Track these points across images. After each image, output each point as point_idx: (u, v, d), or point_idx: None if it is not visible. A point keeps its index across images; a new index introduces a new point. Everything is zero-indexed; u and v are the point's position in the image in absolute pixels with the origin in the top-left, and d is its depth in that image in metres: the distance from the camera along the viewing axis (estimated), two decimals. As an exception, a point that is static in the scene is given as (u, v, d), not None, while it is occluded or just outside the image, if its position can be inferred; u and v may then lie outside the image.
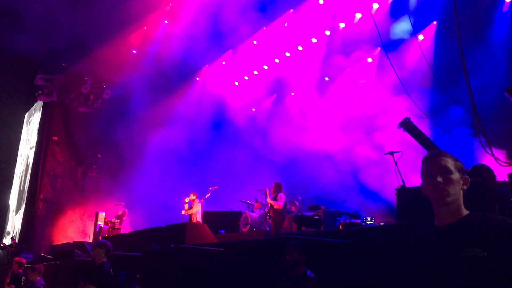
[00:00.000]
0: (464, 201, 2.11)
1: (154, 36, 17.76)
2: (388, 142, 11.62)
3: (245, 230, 12.06)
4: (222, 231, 12.24)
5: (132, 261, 8.97)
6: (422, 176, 2.17)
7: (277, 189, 10.59)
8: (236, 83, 18.28)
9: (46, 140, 19.22)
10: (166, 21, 17.51)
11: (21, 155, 21.96)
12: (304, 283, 4.69)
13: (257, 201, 12.74)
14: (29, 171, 19.77)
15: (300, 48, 15.89)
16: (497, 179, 6.86)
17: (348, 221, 10.15)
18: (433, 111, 11.69)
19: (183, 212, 12.96)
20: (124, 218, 15.72)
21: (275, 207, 10.37)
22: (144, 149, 17.42)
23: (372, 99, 13.83)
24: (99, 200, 17.53)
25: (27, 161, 20.66)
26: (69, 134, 19.56)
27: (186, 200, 12.92)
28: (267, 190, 11.28)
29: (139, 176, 16.64)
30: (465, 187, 2.12)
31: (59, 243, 16.75)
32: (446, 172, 2.09)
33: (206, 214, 13.00)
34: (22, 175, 21.17)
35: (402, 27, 13.19)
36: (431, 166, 2.12)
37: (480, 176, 6.59)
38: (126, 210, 15.90)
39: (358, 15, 14.55)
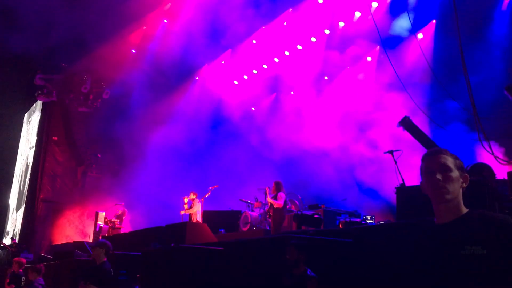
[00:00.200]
0: (464, 199, 2.10)
1: (154, 35, 17.75)
2: (388, 140, 11.62)
3: (245, 229, 12.06)
4: (222, 231, 12.23)
5: (132, 261, 8.97)
6: (421, 174, 2.17)
7: (277, 188, 10.58)
8: (236, 82, 18.27)
9: (46, 140, 19.22)
10: (165, 21, 17.50)
11: (21, 155, 21.97)
12: (304, 282, 4.69)
13: (257, 200, 12.74)
14: (29, 171, 19.77)
15: (299, 47, 15.88)
16: (496, 178, 6.87)
17: (348, 220, 10.17)
18: (432, 108, 11.71)
19: (182, 212, 12.93)
20: (124, 218, 15.73)
21: (275, 206, 10.37)
22: (144, 149, 17.42)
23: (371, 97, 13.84)
24: (99, 200, 17.53)
25: (27, 161, 20.66)
26: (69, 134, 19.55)
27: (186, 200, 12.90)
28: (267, 189, 11.27)
29: (139, 175, 16.64)
30: (464, 185, 2.12)
31: (59, 243, 16.77)
32: (446, 170, 2.08)
33: (206, 214, 12.99)
34: (22, 175, 21.18)
35: (402, 25, 13.20)
36: (431, 164, 2.12)
37: (480, 174, 6.60)
38: (125, 209, 15.90)
39: (358, 14, 14.55)
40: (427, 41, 13.35)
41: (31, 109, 21.60)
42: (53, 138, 19.28)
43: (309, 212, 10.80)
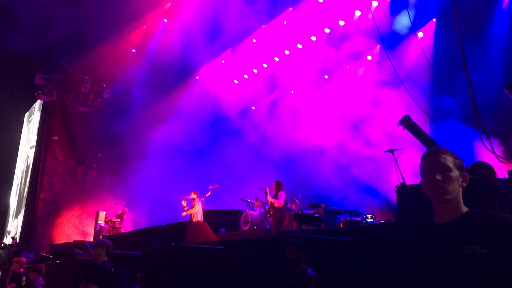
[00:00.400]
0: (464, 198, 2.10)
1: (154, 34, 17.75)
2: (389, 139, 11.62)
3: (245, 228, 12.06)
4: (223, 230, 12.24)
5: (133, 260, 8.97)
6: (421, 174, 2.17)
7: (278, 187, 10.58)
8: (236, 81, 18.27)
9: (46, 140, 19.23)
10: (165, 20, 17.49)
11: (21, 155, 21.97)
12: (304, 281, 4.69)
13: (257, 200, 12.75)
14: (30, 170, 19.78)
15: (299, 46, 15.87)
16: (496, 176, 6.86)
17: (348, 219, 10.16)
18: (431, 106, 11.71)
19: (183, 214, 12.88)
20: (124, 217, 15.74)
21: (276, 205, 10.37)
22: (144, 148, 17.43)
23: (371, 96, 13.83)
24: (99, 199, 17.55)
25: (27, 161, 20.67)
26: (69, 133, 19.56)
27: (184, 203, 12.85)
28: (267, 188, 11.28)
29: (140, 174, 16.65)
30: (464, 185, 2.11)
31: (60, 243, 16.77)
32: (445, 169, 2.08)
33: (206, 213, 12.99)
34: (22, 174, 21.18)
35: (402, 24, 13.19)
36: (430, 164, 2.12)
37: (480, 173, 6.59)
38: (126, 209, 15.92)
39: (358, 13, 14.54)
40: (427, 39, 13.34)
41: (31, 108, 21.60)
42: (53, 137, 19.29)
43: (310, 211, 10.79)
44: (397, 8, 13.50)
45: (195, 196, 12.87)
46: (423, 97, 11.91)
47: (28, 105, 21.62)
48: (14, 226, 20.31)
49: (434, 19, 13.37)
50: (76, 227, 18.41)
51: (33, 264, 9.60)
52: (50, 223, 18.27)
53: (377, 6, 13.97)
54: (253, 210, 12.60)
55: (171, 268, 8.12)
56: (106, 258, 6.10)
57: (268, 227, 11.56)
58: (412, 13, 12.34)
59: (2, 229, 20.88)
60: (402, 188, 7.12)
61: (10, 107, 20.52)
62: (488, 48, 11.59)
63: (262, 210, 12.23)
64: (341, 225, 9.85)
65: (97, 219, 15.79)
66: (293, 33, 15.62)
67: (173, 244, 9.06)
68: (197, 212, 12.70)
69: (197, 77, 19.09)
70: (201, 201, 12.93)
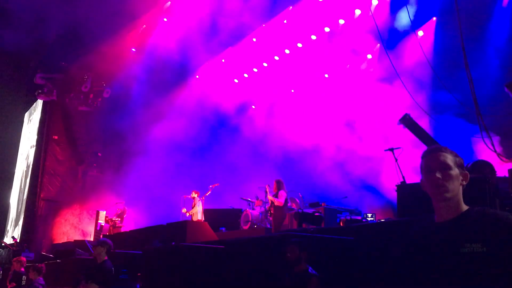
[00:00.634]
0: (465, 196, 2.09)
1: (153, 34, 17.73)
2: (389, 137, 11.62)
3: (246, 227, 12.07)
4: (223, 229, 12.26)
5: (133, 259, 8.98)
6: (421, 172, 2.17)
7: (278, 186, 10.58)
8: (236, 80, 18.27)
9: (46, 139, 19.23)
10: (165, 19, 17.47)
11: (21, 154, 21.98)
12: (305, 280, 4.69)
13: (257, 199, 12.75)
14: (30, 170, 19.79)
15: (299, 45, 15.86)
16: (497, 175, 6.86)
17: (348, 218, 10.17)
18: (431, 105, 11.72)
19: (187, 214, 12.86)
20: (124, 216, 15.75)
21: (276, 204, 10.37)
22: (145, 147, 17.43)
23: (372, 95, 13.83)
24: (99, 199, 17.57)
25: (28, 160, 20.67)
26: (69, 133, 19.56)
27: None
28: (266, 187, 11.28)
29: (140, 173, 16.66)
30: (464, 183, 2.11)
31: (60, 242, 16.79)
32: (445, 168, 2.07)
33: (207, 212, 13.00)
34: (22, 174, 21.19)
35: (402, 22, 13.18)
36: (430, 162, 2.11)
37: (480, 171, 6.59)
38: (126, 208, 15.93)
39: (358, 12, 14.52)
40: (427, 38, 13.34)
41: (31, 108, 21.60)
42: (53, 137, 19.29)
43: (310, 210, 10.80)
44: (397, 7, 13.49)
45: (195, 195, 12.88)
46: (423, 95, 11.91)
47: (28, 105, 21.63)
48: (14, 222, 20.33)
49: (434, 18, 13.36)
50: (76, 227, 18.42)
51: (33, 264, 9.60)
52: (50, 223, 18.28)
53: (377, 5, 13.97)
54: (253, 209, 12.60)
55: (171, 267, 8.12)
56: (106, 258, 6.11)
57: (268, 226, 11.56)
58: (412, 11, 12.33)
59: (2, 228, 20.88)
60: (402, 187, 7.12)
61: (10, 106, 20.54)
62: (489, 47, 11.58)
63: (263, 209, 12.24)
64: (341, 224, 9.86)
65: (97, 219, 15.80)
66: (293, 32, 15.60)
67: (173, 243, 9.07)
68: (198, 212, 12.71)
69: (197, 76, 19.08)
70: (202, 200, 12.94)
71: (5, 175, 21.27)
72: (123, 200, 16.34)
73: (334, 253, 5.61)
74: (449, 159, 2.10)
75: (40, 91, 18.61)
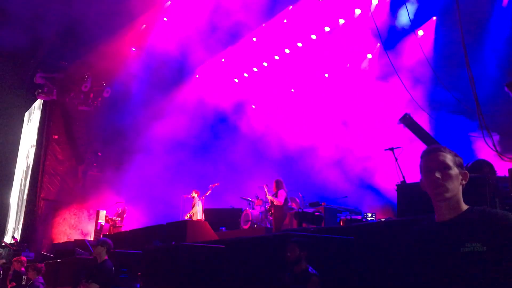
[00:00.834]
0: (465, 196, 2.09)
1: (153, 33, 17.72)
2: (390, 137, 11.63)
3: (246, 227, 12.08)
4: (223, 228, 12.27)
5: (133, 259, 8.98)
6: (421, 172, 2.16)
7: (278, 186, 10.59)
8: (236, 80, 18.26)
9: (46, 139, 19.21)
10: (165, 19, 17.46)
11: (21, 154, 21.97)
12: (305, 280, 4.69)
13: (257, 198, 12.76)
14: (30, 170, 19.78)
15: (299, 44, 15.86)
16: (497, 174, 6.86)
17: (349, 217, 10.18)
18: (431, 104, 11.72)
19: (187, 216, 12.86)
20: (124, 216, 15.76)
21: (276, 203, 10.38)
22: (145, 147, 17.44)
23: (372, 94, 13.83)
24: (100, 198, 17.57)
25: (28, 160, 20.67)
26: (69, 132, 19.55)
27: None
28: (265, 186, 11.28)
29: (140, 173, 16.67)
30: (464, 182, 2.11)
31: (60, 242, 16.79)
32: (445, 167, 2.07)
33: (207, 212, 13.02)
34: (22, 174, 21.19)
35: (402, 21, 13.18)
36: (430, 162, 2.11)
37: (480, 171, 6.60)
38: (126, 207, 15.93)
39: (358, 11, 14.52)
40: (427, 38, 13.34)
41: (31, 107, 21.59)
42: (53, 136, 19.27)
43: (310, 210, 10.81)
44: (398, 6, 13.48)
45: (195, 195, 12.89)
46: (422, 94, 11.92)
47: (28, 104, 21.61)
48: (14, 221, 20.33)
49: (434, 17, 13.36)
50: (76, 226, 18.42)
51: (33, 264, 9.60)
52: (50, 222, 18.28)
53: (377, 4, 13.96)
54: (253, 208, 12.61)
55: (171, 266, 8.12)
56: (106, 257, 6.11)
57: (268, 225, 11.57)
58: (412, 11, 12.33)
59: (2, 228, 20.88)
60: (402, 186, 7.12)
61: (10, 106, 20.51)
62: (485, 46, 11.59)
63: (263, 208, 12.25)
64: (341, 223, 9.87)
65: (97, 218, 15.81)
66: (293, 32, 15.60)
67: (173, 242, 9.07)
68: (198, 211, 12.72)
69: (197, 76, 19.08)
70: (202, 200, 12.95)
71: (5, 175, 21.25)
72: (123, 199, 16.35)
73: (334, 253, 5.62)
74: (449, 158, 2.10)
75: (40, 90, 18.60)
